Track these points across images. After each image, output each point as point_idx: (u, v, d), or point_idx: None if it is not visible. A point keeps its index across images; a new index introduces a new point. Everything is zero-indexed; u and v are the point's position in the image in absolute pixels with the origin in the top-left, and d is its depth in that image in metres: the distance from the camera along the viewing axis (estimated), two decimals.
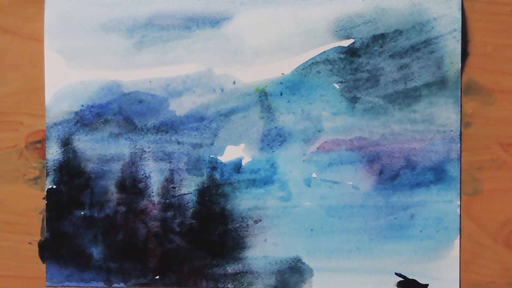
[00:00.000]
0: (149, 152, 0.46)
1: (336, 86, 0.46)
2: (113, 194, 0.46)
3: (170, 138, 0.46)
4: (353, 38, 0.46)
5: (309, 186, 0.46)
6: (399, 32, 0.46)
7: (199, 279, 0.47)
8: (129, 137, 0.46)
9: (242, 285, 0.46)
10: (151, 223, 0.46)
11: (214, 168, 0.46)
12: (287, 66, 0.46)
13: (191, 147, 0.46)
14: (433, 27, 0.46)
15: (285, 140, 0.46)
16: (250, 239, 0.46)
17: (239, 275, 0.46)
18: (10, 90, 0.47)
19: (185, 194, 0.46)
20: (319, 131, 0.46)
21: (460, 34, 0.45)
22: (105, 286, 0.47)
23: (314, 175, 0.46)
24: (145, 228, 0.47)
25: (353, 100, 0.46)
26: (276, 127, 0.46)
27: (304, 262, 0.46)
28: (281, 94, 0.46)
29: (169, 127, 0.46)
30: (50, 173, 0.46)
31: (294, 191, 0.46)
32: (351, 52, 0.46)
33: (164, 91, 0.46)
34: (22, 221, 0.47)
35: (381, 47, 0.46)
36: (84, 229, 0.47)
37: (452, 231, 0.46)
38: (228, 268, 0.46)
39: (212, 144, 0.46)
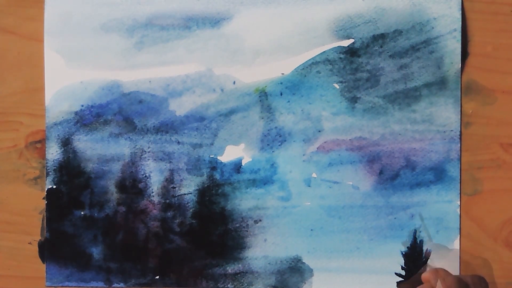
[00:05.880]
0: (149, 152, 0.46)
1: (336, 86, 0.46)
2: (113, 194, 0.46)
3: (170, 138, 0.46)
4: (353, 38, 0.46)
5: (309, 186, 0.46)
6: (399, 32, 0.46)
7: (199, 279, 0.47)
8: (129, 137, 0.46)
9: (242, 285, 0.46)
10: (151, 223, 0.46)
11: (214, 168, 0.46)
12: (287, 66, 0.46)
13: (191, 147, 0.46)
14: (433, 27, 0.46)
15: (285, 140, 0.46)
16: (250, 239, 0.46)
17: (239, 275, 0.46)
18: (10, 90, 0.47)
19: (185, 194, 0.46)
20: (319, 131, 0.46)
21: (460, 34, 0.46)
22: (105, 286, 0.47)
23: (314, 175, 0.46)
24: (145, 228, 0.47)
25: (353, 100, 0.46)
26: (276, 127, 0.46)
27: (304, 262, 0.46)
28: (281, 94, 0.46)
29: (169, 127, 0.46)
30: (50, 173, 0.47)
31: (294, 191, 0.46)
32: (351, 52, 0.46)
33: (164, 91, 0.46)
34: (22, 221, 0.47)
35: (381, 47, 0.46)
36: (84, 229, 0.47)
37: (452, 231, 0.46)
38: (228, 268, 0.46)
39: (212, 144, 0.46)
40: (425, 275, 0.41)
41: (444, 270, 0.41)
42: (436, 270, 0.41)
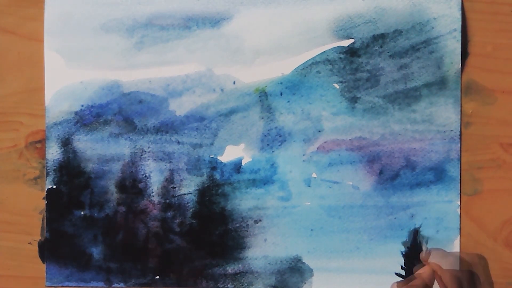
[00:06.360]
0: (149, 152, 0.46)
1: (336, 86, 0.46)
2: (113, 194, 0.46)
3: (170, 138, 0.46)
4: (353, 38, 0.46)
5: (309, 186, 0.46)
6: (399, 32, 0.46)
7: (199, 279, 0.47)
8: (129, 137, 0.46)
9: (242, 285, 0.46)
10: (151, 223, 0.46)
11: (214, 168, 0.46)
12: (287, 66, 0.46)
13: (191, 147, 0.46)
14: (433, 27, 0.46)
15: (285, 140, 0.46)
16: (250, 239, 0.46)
17: (239, 275, 0.46)
18: (10, 90, 0.47)
19: (185, 194, 0.46)
20: (319, 131, 0.46)
21: (460, 34, 0.45)
22: (105, 286, 0.47)
23: (314, 175, 0.46)
24: (145, 228, 0.47)
25: (353, 100, 0.46)
26: (276, 127, 0.46)
27: (304, 262, 0.46)
28: (281, 94, 0.46)
29: (169, 127, 0.46)
30: (50, 173, 0.46)
31: (294, 191, 0.46)
32: (351, 52, 0.46)
33: (164, 91, 0.46)
34: (22, 221, 0.47)
35: (381, 47, 0.46)
36: (84, 229, 0.47)
37: (452, 231, 0.46)
38: (228, 268, 0.46)
39: (212, 144, 0.46)
40: (424, 256, 0.42)
41: (438, 266, 0.42)
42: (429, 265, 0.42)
